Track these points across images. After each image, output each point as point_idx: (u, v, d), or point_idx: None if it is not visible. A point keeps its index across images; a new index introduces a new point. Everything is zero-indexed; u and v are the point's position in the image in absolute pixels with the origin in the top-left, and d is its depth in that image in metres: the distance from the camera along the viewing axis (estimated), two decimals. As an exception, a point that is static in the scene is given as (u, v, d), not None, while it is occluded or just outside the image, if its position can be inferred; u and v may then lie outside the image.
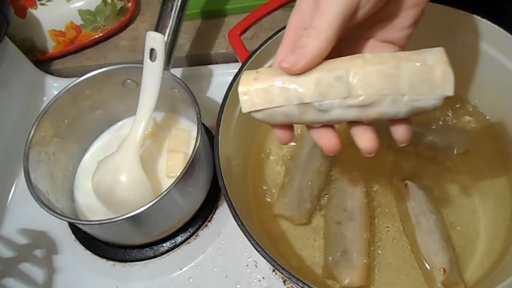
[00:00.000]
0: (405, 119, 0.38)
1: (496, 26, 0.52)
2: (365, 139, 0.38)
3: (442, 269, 0.49)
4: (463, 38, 0.56)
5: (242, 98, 0.37)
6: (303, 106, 0.37)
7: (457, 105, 0.62)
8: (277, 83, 0.37)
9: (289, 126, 0.39)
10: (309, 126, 0.39)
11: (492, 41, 0.54)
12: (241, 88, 0.38)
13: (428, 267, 0.50)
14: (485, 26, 0.53)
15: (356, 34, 0.40)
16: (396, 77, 0.35)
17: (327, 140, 0.38)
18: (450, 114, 0.62)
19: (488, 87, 0.59)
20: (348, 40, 0.39)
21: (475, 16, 0.53)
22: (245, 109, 0.38)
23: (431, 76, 0.35)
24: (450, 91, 0.35)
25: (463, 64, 0.59)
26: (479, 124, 0.61)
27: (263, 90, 0.37)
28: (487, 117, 0.60)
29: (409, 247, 0.54)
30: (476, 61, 0.57)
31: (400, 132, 0.38)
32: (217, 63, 0.80)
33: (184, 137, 0.67)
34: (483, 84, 0.59)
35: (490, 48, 0.55)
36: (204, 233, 0.63)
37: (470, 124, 0.61)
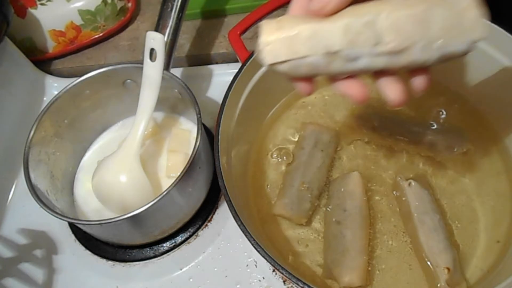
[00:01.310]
0: (424, 69, 0.36)
1: (496, 26, 0.52)
2: (394, 90, 0.36)
3: (446, 269, 0.49)
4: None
5: (265, 48, 0.34)
6: (330, 56, 0.34)
7: (457, 105, 0.62)
8: (303, 31, 0.34)
9: (310, 78, 0.37)
10: (333, 78, 0.37)
11: (491, 41, 0.54)
12: (264, 38, 0.34)
13: (431, 267, 0.50)
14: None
15: None
16: (427, 22, 0.33)
17: (356, 89, 0.36)
18: (450, 114, 0.62)
19: (488, 86, 0.58)
20: None
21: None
22: (268, 61, 0.35)
23: (462, 20, 0.34)
24: (481, 35, 0.34)
25: (463, 64, 0.59)
26: (479, 124, 0.61)
27: (287, 39, 0.34)
28: (488, 117, 0.60)
29: (409, 246, 0.54)
30: (476, 61, 0.56)
31: (420, 81, 0.37)
32: (217, 63, 0.80)
33: (184, 137, 0.67)
34: (483, 84, 0.59)
35: (490, 48, 0.54)
36: (204, 233, 0.63)
37: (470, 123, 0.61)
